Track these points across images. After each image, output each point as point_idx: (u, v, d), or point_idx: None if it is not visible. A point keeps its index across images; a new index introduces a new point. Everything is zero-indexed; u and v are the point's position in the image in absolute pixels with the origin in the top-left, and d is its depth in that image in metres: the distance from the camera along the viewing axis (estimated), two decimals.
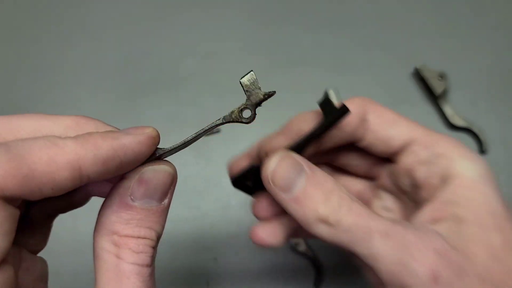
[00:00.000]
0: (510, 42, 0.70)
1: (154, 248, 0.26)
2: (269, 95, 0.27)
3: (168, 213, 0.27)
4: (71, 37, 0.73)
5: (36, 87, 0.68)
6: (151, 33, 0.73)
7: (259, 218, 0.39)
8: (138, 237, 0.25)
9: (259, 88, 0.27)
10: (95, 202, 0.30)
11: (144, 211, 0.25)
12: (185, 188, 0.59)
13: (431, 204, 0.30)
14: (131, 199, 0.25)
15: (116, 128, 0.26)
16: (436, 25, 0.72)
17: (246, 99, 0.27)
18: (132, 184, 0.25)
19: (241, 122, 0.27)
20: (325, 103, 0.36)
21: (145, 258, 0.25)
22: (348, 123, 0.35)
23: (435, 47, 0.70)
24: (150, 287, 0.26)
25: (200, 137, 0.28)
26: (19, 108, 0.66)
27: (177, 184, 0.63)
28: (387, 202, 0.38)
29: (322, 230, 0.28)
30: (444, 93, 0.64)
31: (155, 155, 0.26)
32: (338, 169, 0.42)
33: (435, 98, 0.65)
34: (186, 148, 0.29)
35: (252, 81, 0.27)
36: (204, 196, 0.59)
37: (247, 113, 0.28)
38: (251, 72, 0.27)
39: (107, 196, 0.26)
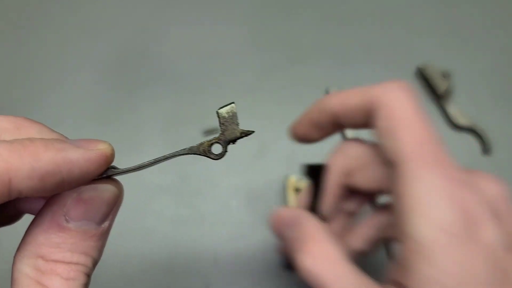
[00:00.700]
0: None
1: (89, 276, 0.22)
2: (246, 134, 0.25)
3: (108, 236, 0.23)
4: (68, 35, 0.72)
5: (33, 85, 0.68)
6: (150, 31, 0.72)
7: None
8: (70, 263, 0.21)
9: (237, 124, 0.25)
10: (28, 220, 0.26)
11: (79, 235, 0.21)
12: (185, 189, 0.58)
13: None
14: (66, 219, 0.21)
15: (64, 137, 0.23)
16: (440, 23, 0.71)
17: (220, 133, 0.25)
18: (68, 202, 0.21)
19: (209, 157, 0.25)
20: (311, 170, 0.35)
21: (75, 286, 0.21)
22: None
23: (439, 45, 0.69)
24: None
25: (159, 163, 0.24)
26: (15, 108, 0.65)
27: (177, 184, 0.63)
28: None
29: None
30: (448, 93, 0.63)
31: (104, 174, 0.23)
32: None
33: (438, 97, 0.64)
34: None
35: (231, 114, 0.25)
36: (204, 197, 0.58)
37: (217, 149, 0.25)
38: (232, 105, 0.25)
39: (39, 212, 0.22)
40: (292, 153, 0.60)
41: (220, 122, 0.25)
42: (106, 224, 0.23)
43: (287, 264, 0.51)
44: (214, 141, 0.25)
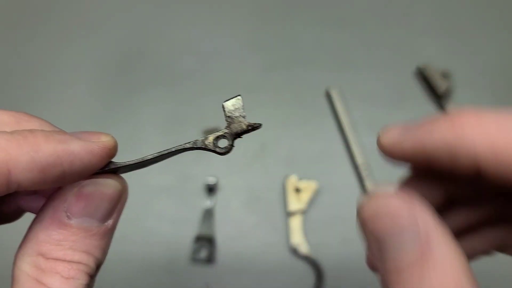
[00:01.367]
0: None
1: (92, 276, 0.21)
2: (253, 127, 0.23)
3: (112, 236, 0.22)
4: (68, 35, 0.72)
5: (32, 85, 0.67)
6: (149, 30, 0.72)
7: None
8: (71, 262, 0.20)
9: (244, 117, 0.23)
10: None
11: (81, 232, 0.20)
12: (185, 189, 0.58)
13: None
14: (67, 215, 0.20)
15: (65, 132, 0.22)
16: (440, 24, 0.71)
17: (226, 126, 0.23)
18: (69, 197, 0.21)
19: (215, 151, 0.23)
20: None
21: (76, 285, 0.20)
22: None
23: (439, 45, 0.69)
24: None
25: (162, 159, 0.23)
26: (14, 108, 0.65)
27: (176, 184, 0.63)
28: None
29: None
30: (447, 92, 0.63)
31: (106, 168, 0.22)
32: None
33: (438, 97, 0.64)
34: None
35: (237, 106, 0.23)
36: (204, 197, 0.58)
37: (223, 143, 0.24)
38: (238, 97, 0.23)
39: (40, 209, 0.21)
40: (292, 153, 0.60)
41: (225, 115, 0.23)
42: (109, 222, 0.22)
43: None
44: (219, 134, 0.23)
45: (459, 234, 0.24)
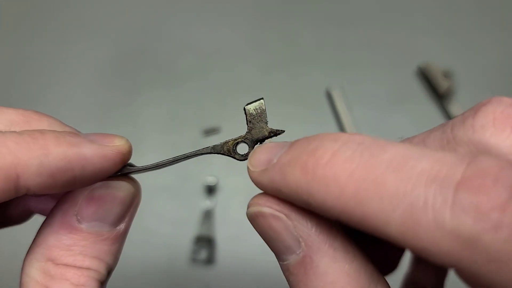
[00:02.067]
0: None
1: (102, 283, 0.20)
2: (275, 133, 0.22)
3: (124, 241, 0.22)
4: (67, 34, 0.72)
5: (33, 85, 0.67)
6: (149, 29, 0.72)
7: None
8: (81, 268, 0.19)
9: (266, 123, 0.22)
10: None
11: (92, 237, 0.20)
12: (185, 189, 0.58)
13: None
14: (77, 219, 0.20)
15: (76, 131, 0.21)
16: (441, 23, 0.71)
17: (247, 132, 0.22)
18: (80, 201, 0.20)
19: (233, 157, 0.22)
20: None
21: None
22: None
23: (440, 45, 0.69)
24: None
25: (178, 162, 0.22)
26: (15, 107, 0.65)
27: (176, 184, 0.62)
28: None
29: None
30: (449, 92, 0.63)
31: (119, 173, 0.21)
32: None
33: (439, 97, 0.63)
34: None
35: (259, 111, 0.22)
36: (204, 198, 0.58)
37: (243, 149, 0.22)
38: (261, 101, 0.22)
39: (50, 212, 0.21)
40: None
41: (247, 120, 0.22)
42: (121, 226, 0.21)
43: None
44: (239, 140, 0.22)
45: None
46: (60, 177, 0.18)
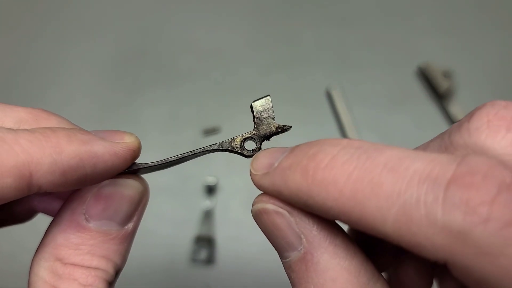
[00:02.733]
0: None
1: (111, 283, 0.20)
2: (283, 129, 0.22)
3: (133, 240, 0.22)
4: (68, 35, 0.72)
5: (33, 85, 0.67)
6: (149, 29, 0.72)
7: None
8: (89, 267, 0.19)
9: (273, 118, 0.22)
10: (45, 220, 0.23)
11: (100, 236, 0.20)
12: (185, 189, 0.58)
13: None
14: (86, 218, 0.20)
15: (83, 130, 0.21)
16: (441, 23, 0.71)
17: (254, 128, 0.22)
18: (88, 199, 0.20)
19: (241, 154, 0.22)
20: None
21: None
22: None
23: (440, 45, 0.69)
24: None
25: (186, 160, 0.22)
26: None
27: (176, 184, 0.62)
28: None
29: None
30: (449, 92, 0.63)
31: (127, 169, 0.21)
32: None
33: (439, 97, 0.63)
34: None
35: (266, 107, 0.22)
36: (204, 198, 0.58)
37: (250, 145, 0.23)
38: (267, 97, 0.22)
39: (58, 211, 0.20)
40: None
41: (254, 116, 0.22)
42: (130, 225, 0.21)
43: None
44: (247, 136, 0.22)
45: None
46: (72, 175, 0.18)
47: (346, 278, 0.18)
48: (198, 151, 0.22)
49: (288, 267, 0.19)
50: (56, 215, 0.20)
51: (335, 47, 0.69)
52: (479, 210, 0.14)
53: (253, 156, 0.21)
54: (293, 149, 0.19)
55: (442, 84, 0.63)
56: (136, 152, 0.20)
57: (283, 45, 0.70)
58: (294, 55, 0.69)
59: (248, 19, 0.72)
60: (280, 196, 0.19)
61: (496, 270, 0.14)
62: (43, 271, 0.19)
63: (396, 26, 0.71)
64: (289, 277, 0.20)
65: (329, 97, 0.64)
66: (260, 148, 0.22)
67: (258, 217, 0.20)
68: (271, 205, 0.19)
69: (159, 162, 0.22)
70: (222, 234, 0.55)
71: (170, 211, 0.57)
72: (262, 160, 0.20)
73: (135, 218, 0.21)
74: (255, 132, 0.22)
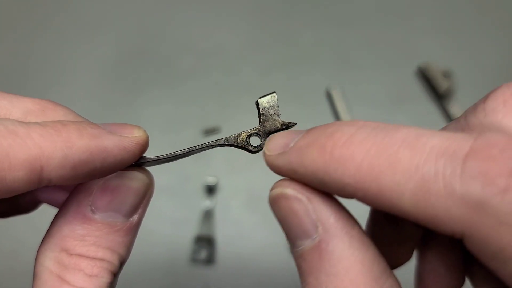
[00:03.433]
0: None
1: (115, 274, 0.20)
2: (288, 125, 0.23)
3: (137, 232, 0.22)
4: (69, 34, 0.72)
5: (33, 86, 0.67)
6: (149, 29, 0.72)
7: None
8: (94, 258, 0.19)
9: (278, 115, 0.23)
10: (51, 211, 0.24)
11: (105, 227, 0.20)
12: (185, 189, 0.58)
13: None
14: (92, 210, 0.20)
15: (90, 121, 0.21)
16: (441, 23, 0.71)
17: (259, 124, 0.23)
18: (94, 191, 0.20)
19: (246, 149, 0.23)
20: None
21: (99, 284, 0.19)
22: None
23: (440, 45, 0.69)
24: None
25: (193, 154, 0.23)
26: None
27: (176, 184, 0.62)
28: None
29: None
30: (449, 92, 0.63)
31: (134, 162, 0.21)
32: None
33: (439, 97, 0.63)
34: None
35: (272, 104, 0.23)
36: (204, 197, 0.58)
37: (255, 141, 0.23)
38: (273, 94, 0.23)
39: (64, 202, 0.21)
40: None
41: (259, 113, 0.23)
42: (135, 218, 0.21)
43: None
44: (252, 132, 0.23)
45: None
46: (82, 169, 0.18)
47: (359, 270, 0.18)
48: (204, 145, 0.22)
49: (299, 256, 0.19)
50: (62, 206, 0.21)
51: (335, 47, 0.69)
52: (497, 181, 0.14)
53: (267, 138, 0.21)
54: (309, 130, 0.19)
55: (442, 84, 0.63)
56: (145, 147, 0.21)
57: (283, 45, 0.70)
58: (294, 55, 0.69)
59: (248, 19, 0.72)
60: (294, 174, 0.19)
61: None
62: (49, 261, 0.19)
63: (396, 26, 0.71)
64: (299, 267, 0.20)
65: (329, 97, 0.64)
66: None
67: (276, 202, 0.20)
68: (291, 190, 0.19)
69: (166, 156, 0.22)
70: (222, 234, 0.55)
71: (170, 211, 0.57)
72: (278, 140, 0.20)
73: (140, 211, 0.21)
74: (261, 128, 0.23)
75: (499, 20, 0.71)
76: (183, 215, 0.56)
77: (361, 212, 0.22)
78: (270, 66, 0.68)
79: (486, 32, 0.70)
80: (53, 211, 0.22)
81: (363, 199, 0.17)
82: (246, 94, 0.65)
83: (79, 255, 0.19)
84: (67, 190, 0.23)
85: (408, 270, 0.25)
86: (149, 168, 0.23)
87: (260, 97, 0.23)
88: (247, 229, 0.55)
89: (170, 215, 0.56)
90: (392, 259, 0.24)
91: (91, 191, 0.20)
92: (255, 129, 0.23)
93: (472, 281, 0.23)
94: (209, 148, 0.23)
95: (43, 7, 0.74)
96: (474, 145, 0.15)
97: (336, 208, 0.19)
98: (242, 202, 0.57)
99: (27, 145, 0.16)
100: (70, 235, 0.19)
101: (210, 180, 0.58)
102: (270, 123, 0.23)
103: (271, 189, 0.20)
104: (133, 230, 0.21)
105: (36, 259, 0.19)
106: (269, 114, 0.23)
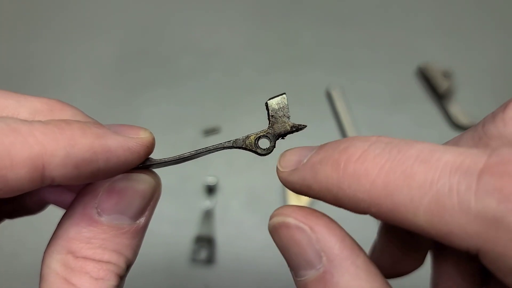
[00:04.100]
0: None
1: (122, 277, 0.20)
2: (298, 128, 0.22)
3: (144, 235, 0.22)
4: (68, 34, 0.72)
5: (33, 85, 0.67)
6: (149, 29, 0.72)
7: None
8: (100, 261, 0.19)
9: (288, 117, 0.22)
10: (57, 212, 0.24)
11: (112, 230, 0.20)
12: (185, 189, 0.58)
13: None
14: (98, 212, 0.20)
15: (98, 123, 0.21)
16: (441, 23, 0.71)
17: (269, 126, 0.22)
18: (100, 194, 0.20)
19: (255, 152, 0.23)
20: None
21: (106, 287, 0.19)
22: None
23: (440, 45, 0.69)
24: None
25: (200, 156, 0.22)
26: None
27: (176, 184, 0.62)
28: None
29: None
30: (448, 92, 0.63)
31: (140, 165, 0.21)
32: None
33: (439, 97, 0.63)
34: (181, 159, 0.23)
35: (281, 106, 0.22)
36: (204, 198, 0.58)
37: (264, 143, 0.23)
38: (283, 95, 0.22)
39: (71, 204, 0.21)
40: None
41: (269, 114, 0.22)
42: (141, 220, 0.21)
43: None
44: (261, 134, 0.22)
45: None
46: (85, 168, 0.18)
47: None
48: (212, 147, 0.22)
49: (302, 286, 0.19)
50: (69, 209, 0.20)
51: (335, 47, 0.69)
52: None
53: (280, 154, 0.21)
54: (321, 146, 0.19)
55: (442, 84, 0.63)
56: (150, 148, 0.20)
57: (283, 45, 0.70)
58: (294, 55, 0.69)
59: (248, 19, 0.72)
60: (308, 191, 0.19)
61: None
62: (55, 263, 0.19)
63: (396, 26, 0.71)
64: None
65: (329, 97, 0.64)
66: (274, 146, 0.22)
67: (276, 231, 0.19)
68: (292, 219, 0.19)
69: (173, 158, 0.22)
70: (222, 234, 0.55)
71: (170, 211, 0.57)
72: (290, 157, 0.20)
73: (147, 213, 0.21)
74: (270, 131, 0.22)
75: (499, 20, 0.71)
76: (183, 215, 0.56)
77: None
78: (270, 66, 0.68)
79: (486, 32, 0.70)
80: (55, 213, 0.22)
81: (377, 215, 0.17)
82: (246, 94, 0.65)
83: (85, 258, 0.19)
84: (74, 191, 0.22)
85: (418, 277, 0.25)
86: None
87: (270, 99, 0.22)
88: (247, 229, 0.55)
89: (170, 215, 0.56)
90: (403, 266, 0.24)
91: (97, 193, 0.20)
92: (264, 132, 0.22)
93: None
94: (217, 150, 0.22)
95: (43, 7, 0.74)
96: (489, 161, 0.15)
97: (341, 236, 0.18)
98: (242, 202, 0.57)
99: (29, 143, 0.16)
100: (76, 238, 0.19)
101: (210, 180, 0.58)
102: (279, 125, 0.22)
103: (271, 217, 0.20)
104: (140, 232, 0.21)
105: (42, 261, 0.19)
106: (279, 116, 0.22)
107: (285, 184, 0.20)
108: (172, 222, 0.56)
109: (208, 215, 0.56)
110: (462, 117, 0.61)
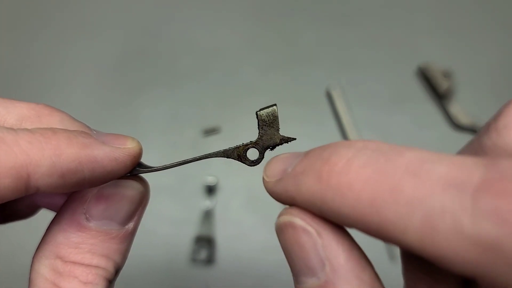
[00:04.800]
0: None
1: (110, 282, 0.20)
2: (286, 140, 0.22)
3: (133, 240, 0.22)
4: (68, 35, 0.72)
5: (33, 85, 0.67)
6: (149, 29, 0.72)
7: None
8: (89, 265, 0.19)
9: (278, 130, 0.22)
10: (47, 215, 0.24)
11: (100, 235, 0.20)
12: (185, 189, 0.58)
13: None
14: (86, 218, 0.20)
15: (87, 127, 0.21)
16: (441, 23, 0.71)
17: (258, 138, 0.22)
18: (89, 199, 0.20)
19: (244, 162, 0.23)
20: None
21: None
22: None
23: (440, 45, 0.69)
24: None
25: (188, 163, 0.23)
26: None
27: (176, 184, 0.62)
28: None
29: None
30: (449, 92, 0.63)
31: (128, 174, 0.21)
32: None
33: (439, 97, 0.63)
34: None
35: (271, 118, 0.22)
36: (204, 198, 0.58)
37: (253, 154, 0.23)
38: (274, 107, 0.22)
39: (59, 210, 0.21)
40: None
41: (259, 125, 0.22)
42: (130, 225, 0.21)
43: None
44: (250, 146, 0.23)
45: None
46: (70, 178, 0.18)
47: None
48: (199, 157, 0.22)
49: None
50: (57, 214, 0.21)
51: (335, 47, 0.69)
52: None
53: (266, 163, 0.20)
54: (307, 153, 0.18)
55: (442, 84, 0.63)
56: (137, 158, 0.20)
57: (283, 45, 0.70)
58: (294, 55, 0.69)
59: (248, 19, 0.72)
60: (294, 203, 0.18)
61: None
62: (44, 268, 0.19)
63: (396, 26, 0.71)
64: None
65: (329, 97, 0.64)
66: (262, 158, 0.22)
67: (282, 231, 0.19)
68: (299, 220, 0.18)
69: (160, 167, 0.22)
70: (222, 234, 0.55)
71: (170, 211, 0.57)
72: (275, 166, 0.19)
73: (135, 218, 0.21)
74: (259, 142, 0.22)
75: (499, 20, 0.71)
76: (183, 215, 0.56)
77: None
78: (270, 66, 0.67)
79: (486, 32, 0.70)
80: (51, 215, 0.22)
81: (365, 231, 0.15)
82: (246, 94, 0.65)
83: (74, 262, 0.19)
84: (66, 194, 0.23)
85: None
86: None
87: (260, 109, 0.22)
88: (247, 229, 0.55)
89: (170, 215, 0.56)
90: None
91: (86, 199, 0.20)
92: (253, 143, 0.22)
93: None
94: (205, 158, 0.22)
95: (42, 7, 0.74)
96: (486, 177, 0.13)
97: (348, 246, 0.17)
98: (242, 202, 0.57)
99: (14, 152, 0.16)
100: (64, 243, 0.19)
101: (210, 180, 0.58)
102: (268, 137, 0.22)
103: (279, 216, 0.19)
104: (129, 237, 0.21)
105: (31, 265, 0.20)
106: (268, 128, 0.22)
107: (271, 195, 0.19)
108: (172, 222, 0.56)
109: (208, 215, 0.56)
110: (462, 117, 0.61)
